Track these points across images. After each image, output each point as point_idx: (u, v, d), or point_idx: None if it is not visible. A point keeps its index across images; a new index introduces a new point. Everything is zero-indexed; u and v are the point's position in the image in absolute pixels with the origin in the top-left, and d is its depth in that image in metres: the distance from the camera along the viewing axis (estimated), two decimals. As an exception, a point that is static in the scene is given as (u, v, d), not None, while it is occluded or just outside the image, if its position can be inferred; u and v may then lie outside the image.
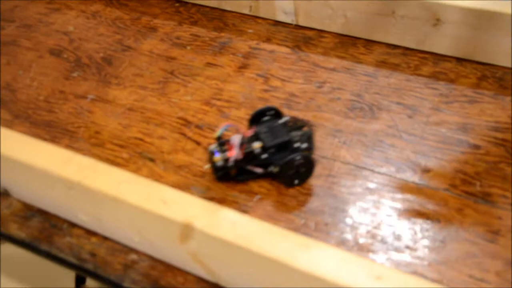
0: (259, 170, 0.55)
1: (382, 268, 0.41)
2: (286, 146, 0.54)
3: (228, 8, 0.79)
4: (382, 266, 0.41)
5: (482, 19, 0.63)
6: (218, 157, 0.54)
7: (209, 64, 0.71)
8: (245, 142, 0.54)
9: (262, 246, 0.42)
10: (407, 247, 0.49)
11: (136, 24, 0.79)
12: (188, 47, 0.74)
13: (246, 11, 0.78)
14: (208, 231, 0.44)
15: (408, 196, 0.53)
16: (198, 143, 0.61)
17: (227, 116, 0.64)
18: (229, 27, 0.77)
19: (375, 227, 0.51)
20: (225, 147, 0.55)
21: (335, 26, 0.73)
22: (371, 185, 0.55)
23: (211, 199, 0.55)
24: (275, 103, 0.65)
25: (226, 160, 0.54)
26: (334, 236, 0.51)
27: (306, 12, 0.74)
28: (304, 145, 0.55)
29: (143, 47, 0.75)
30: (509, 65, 0.65)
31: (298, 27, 0.76)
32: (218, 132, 0.55)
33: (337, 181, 0.56)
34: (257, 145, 0.54)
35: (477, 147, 0.57)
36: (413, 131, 0.60)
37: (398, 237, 0.50)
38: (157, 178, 0.57)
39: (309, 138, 0.56)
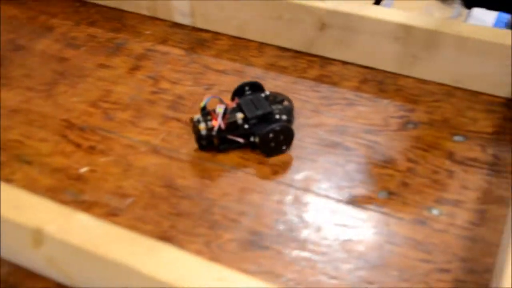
0: (240, 140, 0.58)
1: (226, 272, 0.41)
2: (267, 118, 0.58)
3: (128, 9, 0.79)
4: (226, 269, 0.41)
5: (364, 24, 0.65)
6: (202, 126, 0.57)
7: (101, 65, 0.70)
8: (228, 113, 0.57)
9: (109, 251, 0.42)
10: (266, 247, 0.50)
11: (32, 23, 0.77)
12: (82, 48, 0.73)
13: (145, 12, 0.78)
14: (58, 236, 0.43)
15: (277, 197, 0.54)
16: (78, 146, 0.60)
17: (111, 118, 0.63)
18: (127, 28, 0.76)
19: (247, 231, 0.52)
20: (209, 117, 0.57)
21: (230, 29, 0.73)
22: (245, 186, 0.55)
23: (83, 202, 0.54)
24: (161, 105, 0.65)
25: (210, 129, 0.57)
26: (198, 241, 0.51)
27: (203, 14, 0.74)
28: (284, 117, 0.58)
29: (36, 47, 0.73)
30: (389, 69, 0.67)
31: (195, 29, 0.76)
32: (202, 103, 0.58)
33: (211, 183, 0.56)
34: (239, 116, 0.57)
35: (348, 148, 0.59)
36: (291, 133, 0.61)
37: (258, 234, 0.51)
38: (31, 182, 0.56)
39: (289, 111, 0.59)
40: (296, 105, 0.64)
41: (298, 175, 0.56)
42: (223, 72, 0.69)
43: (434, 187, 0.54)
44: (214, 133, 0.57)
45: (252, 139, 0.58)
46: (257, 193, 0.55)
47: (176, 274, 0.40)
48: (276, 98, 0.61)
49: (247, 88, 0.61)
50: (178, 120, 0.63)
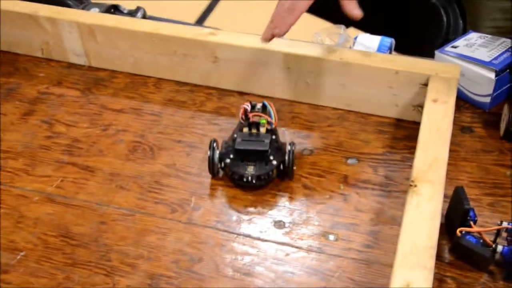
0: None
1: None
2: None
3: (20, 52, 0.76)
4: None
5: (255, 56, 0.65)
6: None
7: (-9, 113, 0.67)
8: None
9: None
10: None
11: None
12: (-28, 95, 0.69)
13: (38, 54, 0.75)
14: None
15: (174, 237, 0.53)
16: (-34, 200, 0.57)
17: (1, 168, 0.60)
18: (20, 71, 0.73)
19: (145, 275, 0.50)
20: None
21: (126, 66, 0.72)
22: (142, 228, 0.53)
23: (-29, 261, 0.51)
24: (56, 150, 0.62)
25: None
26: (95, 282, 0.49)
27: (96, 53, 0.72)
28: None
29: None
30: (285, 97, 0.67)
31: (91, 68, 0.73)
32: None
33: (107, 228, 0.54)
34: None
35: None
36: (189, 169, 0.59)
37: (157, 277, 0.49)
38: None
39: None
40: (194, 139, 0.63)
41: (197, 211, 0.55)
42: (120, 111, 0.67)
43: (330, 213, 0.55)
44: None
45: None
46: (155, 234, 0.53)
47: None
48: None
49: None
50: (74, 164, 0.60)
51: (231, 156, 0.57)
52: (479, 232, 0.48)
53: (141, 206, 0.56)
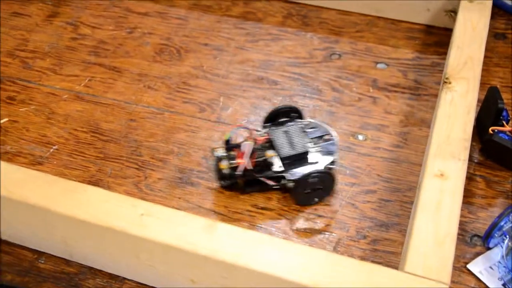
0: (271, 182, 0.46)
1: (150, 207, 0.40)
2: (303, 158, 0.46)
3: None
4: (150, 205, 0.40)
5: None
6: (224, 164, 0.46)
7: (15, 14, 0.65)
8: (258, 150, 0.46)
9: (26, 195, 0.40)
10: (196, 183, 0.49)
11: None
12: (-5, -3, 0.68)
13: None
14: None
15: (204, 134, 0.53)
16: (-4, 97, 0.57)
17: (30, 67, 0.59)
18: (42, -26, 0.71)
19: (175, 169, 0.50)
20: (234, 152, 0.46)
21: (150, -30, 0.70)
22: (172, 126, 0.53)
23: (5, 153, 0.51)
24: (82, 51, 0.61)
25: (234, 168, 0.46)
26: (126, 183, 0.49)
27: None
28: (325, 159, 0.47)
29: None
30: (312, 3, 0.65)
31: (114, -28, 0.71)
32: (227, 135, 0.47)
33: (137, 125, 0.54)
34: (270, 154, 0.46)
35: (275, 82, 0.57)
36: (217, 71, 0.59)
37: (187, 171, 0.49)
38: None
39: (331, 151, 0.47)
40: (221, 43, 0.61)
41: (225, 111, 0.55)
42: (145, 14, 0.65)
43: (359, 114, 0.54)
44: (238, 173, 0.46)
45: (284, 181, 0.46)
46: (184, 132, 0.53)
47: (98, 212, 0.39)
48: (316, 129, 0.49)
49: (282, 113, 0.50)
50: (101, 65, 0.60)
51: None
52: (511, 131, 0.47)
53: (169, 105, 0.55)
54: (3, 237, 0.45)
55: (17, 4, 0.67)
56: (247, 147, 0.46)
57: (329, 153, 0.47)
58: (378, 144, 0.51)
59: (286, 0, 0.66)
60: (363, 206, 0.47)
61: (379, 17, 0.63)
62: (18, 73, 0.59)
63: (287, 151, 0.46)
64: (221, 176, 0.47)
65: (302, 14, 0.65)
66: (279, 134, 0.47)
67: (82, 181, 0.49)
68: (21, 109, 0.55)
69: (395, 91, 0.56)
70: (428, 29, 0.62)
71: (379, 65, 0.58)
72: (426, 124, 0.52)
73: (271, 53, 0.60)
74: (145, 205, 0.39)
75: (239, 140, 0.48)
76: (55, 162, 0.51)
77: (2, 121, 0.54)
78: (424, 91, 0.56)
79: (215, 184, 0.49)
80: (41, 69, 0.59)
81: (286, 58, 0.60)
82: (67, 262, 0.44)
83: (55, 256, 0.44)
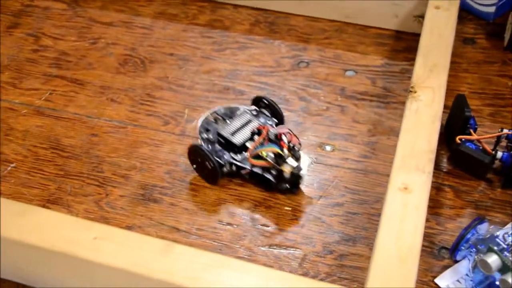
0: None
1: (103, 229, 0.38)
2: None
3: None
4: (103, 226, 0.38)
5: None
6: (287, 168, 0.44)
7: (-25, 26, 0.64)
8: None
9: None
10: (154, 200, 0.47)
11: None
12: (-46, 9, 0.66)
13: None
14: None
15: (168, 148, 0.51)
16: (-48, 113, 0.54)
17: (-12, 81, 0.57)
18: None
19: (138, 185, 0.49)
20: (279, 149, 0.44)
21: (115, -22, 0.68)
22: (135, 140, 0.52)
23: (-40, 172, 0.49)
24: (44, 63, 0.59)
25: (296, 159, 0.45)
26: (87, 200, 0.47)
27: (83, -36, 0.68)
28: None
29: None
30: (280, 9, 0.64)
31: (79, -19, 0.70)
32: (263, 153, 0.44)
33: (99, 140, 0.52)
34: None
35: (241, 92, 0.56)
36: (182, 82, 0.57)
37: (149, 188, 0.48)
38: None
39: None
40: (187, 53, 0.60)
41: (190, 124, 0.53)
42: (110, 24, 0.63)
43: (327, 124, 0.53)
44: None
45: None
46: (148, 146, 0.51)
47: (49, 236, 0.37)
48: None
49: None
50: (62, 77, 0.58)
51: None
52: (478, 140, 0.46)
53: (133, 119, 0.54)
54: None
55: (-23, 15, 0.65)
56: (283, 129, 0.45)
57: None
58: (346, 154, 0.50)
59: (253, 7, 0.65)
60: (330, 220, 0.45)
61: (348, 23, 0.62)
62: (-24, 88, 0.57)
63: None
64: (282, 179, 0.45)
65: (270, 21, 0.63)
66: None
67: (41, 200, 0.47)
68: (-22, 126, 0.53)
69: (363, 99, 0.55)
70: (398, 34, 0.61)
71: (347, 73, 0.57)
72: (395, 133, 0.51)
73: (238, 62, 0.59)
74: (98, 228, 0.37)
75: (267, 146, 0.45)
76: (12, 181, 0.49)
77: (-43, 138, 0.52)
78: (393, 98, 0.55)
79: (179, 200, 0.47)
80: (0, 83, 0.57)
81: (253, 67, 0.58)
82: (22, 286, 0.42)
83: (8, 281, 0.42)
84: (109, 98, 0.55)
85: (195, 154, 0.47)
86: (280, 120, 0.50)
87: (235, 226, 0.45)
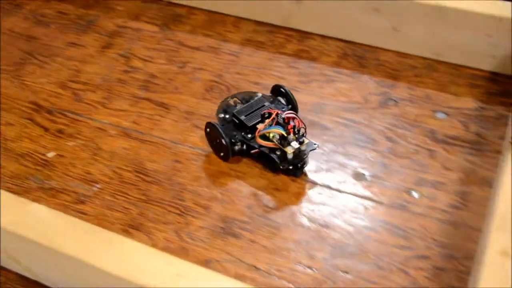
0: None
1: (185, 266, 0.37)
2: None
3: (100, -16, 0.74)
4: (186, 263, 0.38)
5: (342, -4, 0.60)
6: (290, 149, 0.48)
7: (71, 44, 0.65)
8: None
9: (63, 245, 0.38)
10: (238, 234, 0.46)
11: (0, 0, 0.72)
12: (52, 26, 0.68)
13: (118, -13, 0.73)
14: (12, 228, 0.40)
15: (250, 181, 0.50)
16: (45, 129, 0.56)
17: (80, 100, 0.59)
18: (99, 3, 0.71)
19: (218, 217, 0.48)
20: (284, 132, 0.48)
21: (205, 3, 0.68)
22: (217, 170, 0.51)
23: (50, 189, 0.50)
24: (133, 85, 0.60)
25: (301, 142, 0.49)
26: (167, 229, 0.47)
27: (176, -13, 0.69)
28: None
29: (3, 25, 0.68)
30: (369, 43, 0.62)
31: (170, 3, 0.70)
32: (272, 135, 0.48)
33: (182, 167, 0.52)
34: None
35: (325, 128, 0.54)
36: (266, 113, 0.56)
37: (230, 221, 0.47)
38: (-4, 168, 0.53)
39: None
40: (272, 82, 0.59)
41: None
42: (197, 49, 0.64)
43: (415, 168, 0.50)
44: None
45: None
46: (230, 177, 0.51)
47: (132, 268, 0.37)
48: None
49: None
50: (149, 100, 0.58)
51: None
52: None
53: (216, 147, 0.54)
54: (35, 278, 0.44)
55: (74, 33, 0.67)
56: (291, 114, 0.49)
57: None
58: (434, 203, 0.47)
59: (342, 39, 0.63)
60: (415, 273, 0.43)
61: (439, 61, 0.60)
62: (69, 106, 0.58)
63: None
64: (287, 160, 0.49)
65: (358, 54, 0.61)
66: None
67: (123, 224, 0.47)
68: (68, 143, 0.54)
69: (455, 145, 0.52)
70: (493, 76, 0.58)
71: (438, 114, 0.55)
72: (489, 184, 0.48)
73: (324, 96, 0.57)
74: (181, 265, 0.37)
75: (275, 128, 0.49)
76: (97, 202, 0.49)
77: (50, 155, 0.53)
78: (487, 146, 0.51)
79: (258, 237, 0.46)
80: (91, 102, 0.59)
81: (339, 102, 0.57)
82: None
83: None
84: (194, 124, 0.55)
85: (211, 131, 0.52)
86: (293, 108, 0.53)
87: (315, 270, 0.44)
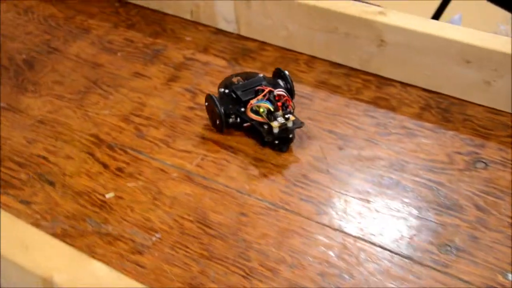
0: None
1: None
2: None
3: (170, 12, 0.71)
4: None
5: (428, 43, 0.55)
6: (276, 123, 0.51)
7: (136, 74, 0.63)
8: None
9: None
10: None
11: (69, 23, 0.70)
12: (119, 53, 0.65)
13: (187, 16, 0.69)
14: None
15: (322, 244, 0.45)
16: (105, 166, 0.53)
17: (143, 136, 0.55)
18: (167, 32, 0.68)
19: (286, 283, 0.43)
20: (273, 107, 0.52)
21: (277, 39, 0.64)
22: (286, 228, 0.47)
23: (106, 234, 0.47)
24: (198, 123, 0.56)
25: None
26: (231, 283, 0.43)
27: (247, 21, 0.65)
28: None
29: (70, 50, 0.66)
30: (456, 95, 0.57)
31: (240, 37, 0.67)
32: (262, 109, 0.52)
33: (248, 221, 0.48)
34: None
35: (407, 189, 0.49)
36: (341, 166, 0.52)
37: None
38: (53, 205, 0.49)
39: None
40: (347, 132, 0.54)
41: (349, 219, 0.47)
42: (267, 88, 0.60)
43: (509, 245, 0.45)
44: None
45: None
46: (300, 237, 0.46)
47: None
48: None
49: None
50: (215, 142, 0.55)
51: None
52: None
53: (285, 201, 0.49)
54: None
55: (140, 63, 0.64)
56: (282, 92, 0.53)
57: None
58: (533, 290, 0.42)
59: (425, 88, 0.58)
60: None
61: (536, 121, 0.54)
62: (131, 142, 0.55)
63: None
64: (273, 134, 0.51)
65: (443, 107, 0.56)
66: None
67: (183, 283, 0.43)
68: (128, 184, 0.51)
69: (556, 221, 0.46)
70: None
71: (534, 183, 0.49)
72: None
73: (404, 151, 0.52)
74: None
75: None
76: (156, 254, 0.45)
77: (108, 195, 0.50)
78: None
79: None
80: (153, 140, 0.55)
81: (421, 160, 0.51)
82: None
83: None
84: (262, 173, 0.51)
85: (208, 102, 0.55)
86: (290, 91, 0.55)
87: None
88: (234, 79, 0.56)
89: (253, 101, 0.52)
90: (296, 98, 0.58)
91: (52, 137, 0.56)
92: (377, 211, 0.48)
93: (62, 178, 0.52)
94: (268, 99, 0.52)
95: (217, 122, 0.54)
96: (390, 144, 0.53)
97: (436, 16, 0.97)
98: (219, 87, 0.56)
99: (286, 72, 0.56)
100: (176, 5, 0.69)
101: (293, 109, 0.53)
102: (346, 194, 0.49)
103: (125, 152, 0.54)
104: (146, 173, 0.52)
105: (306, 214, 0.48)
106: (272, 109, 0.51)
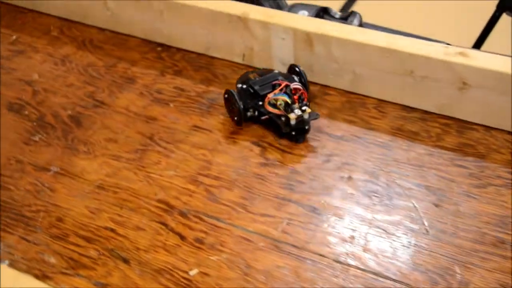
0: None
1: None
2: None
3: (217, 55, 0.66)
4: None
5: (517, 85, 0.52)
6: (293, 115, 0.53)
7: (195, 128, 0.58)
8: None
9: None
10: None
11: (111, 72, 0.65)
12: (171, 104, 0.61)
13: (238, 60, 0.65)
14: None
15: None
16: (182, 237, 0.48)
17: (216, 199, 0.51)
18: (219, 78, 0.64)
19: None
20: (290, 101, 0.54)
21: (342, 83, 0.60)
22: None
23: (198, 320, 0.42)
24: (274, 182, 0.52)
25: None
26: None
27: (309, 64, 0.61)
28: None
29: (118, 103, 0.61)
30: (547, 139, 0.53)
31: (298, 80, 0.63)
32: (280, 101, 0.54)
33: (354, 296, 0.43)
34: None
35: (521, 251, 0.45)
36: (442, 226, 0.47)
37: None
38: (131, 286, 0.44)
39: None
40: (439, 185, 0.50)
41: (468, 275, 0.43)
42: (340, 138, 0.55)
43: None
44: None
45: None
46: (416, 313, 0.42)
47: None
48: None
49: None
50: (297, 203, 0.50)
51: None
52: None
53: (387, 269, 0.45)
54: None
55: (196, 115, 0.59)
56: (298, 85, 0.54)
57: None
58: None
59: (509, 131, 0.54)
60: None
61: None
62: (204, 207, 0.50)
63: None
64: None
65: None
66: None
67: None
68: (211, 257, 0.46)
69: None
70: None
71: None
72: None
73: (507, 206, 0.48)
74: None
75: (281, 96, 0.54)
76: None
77: (192, 272, 0.45)
78: None
79: None
80: (229, 203, 0.50)
81: (526, 214, 0.48)
82: None
83: None
84: (352, 236, 0.47)
85: (228, 97, 0.57)
86: (304, 86, 0.56)
87: None
88: (251, 75, 0.57)
89: (271, 95, 0.54)
90: (372, 148, 0.54)
91: (117, 205, 0.51)
92: (495, 278, 0.43)
93: (136, 253, 0.47)
94: (285, 93, 0.54)
95: (236, 117, 0.56)
96: (489, 198, 0.49)
97: (478, 43, 0.94)
98: (237, 83, 0.57)
99: (301, 68, 0.58)
100: (227, 48, 0.65)
101: (309, 102, 0.55)
102: (454, 259, 0.45)
103: (201, 219, 0.49)
104: (229, 244, 0.47)
105: (409, 282, 0.43)
106: (289, 102, 0.53)
